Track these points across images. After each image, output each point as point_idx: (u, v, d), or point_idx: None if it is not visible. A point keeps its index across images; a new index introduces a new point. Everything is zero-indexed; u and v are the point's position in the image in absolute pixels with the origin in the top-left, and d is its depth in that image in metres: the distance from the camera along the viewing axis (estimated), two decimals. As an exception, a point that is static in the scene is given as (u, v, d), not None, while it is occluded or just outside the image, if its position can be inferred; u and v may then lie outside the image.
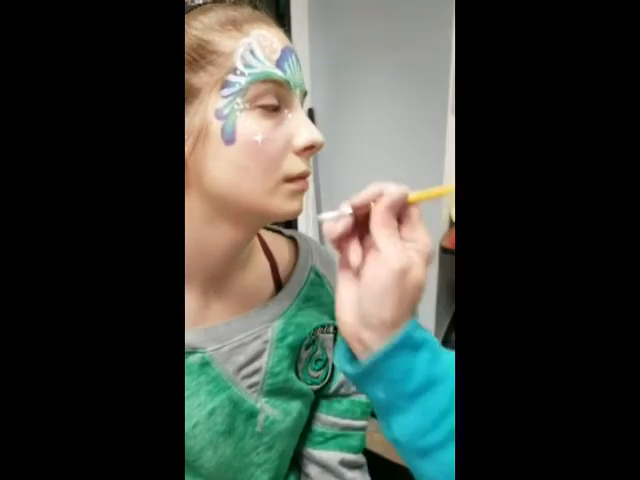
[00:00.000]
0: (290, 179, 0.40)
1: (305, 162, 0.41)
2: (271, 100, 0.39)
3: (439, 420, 0.31)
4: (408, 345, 0.32)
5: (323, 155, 1.82)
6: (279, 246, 0.55)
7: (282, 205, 0.41)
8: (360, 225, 0.33)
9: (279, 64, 0.39)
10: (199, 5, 0.40)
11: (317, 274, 0.55)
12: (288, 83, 0.39)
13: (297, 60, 0.41)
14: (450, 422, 0.31)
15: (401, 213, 0.33)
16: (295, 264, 0.54)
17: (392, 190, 0.32)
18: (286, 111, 0.40)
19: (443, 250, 1.70)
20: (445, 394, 0.31)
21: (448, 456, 0.31)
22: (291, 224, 1.78)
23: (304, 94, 0.43)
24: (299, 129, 0.40)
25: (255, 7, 0.42)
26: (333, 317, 0.56)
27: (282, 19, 1.73)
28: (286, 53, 0.40)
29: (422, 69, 1.59)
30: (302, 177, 0.41)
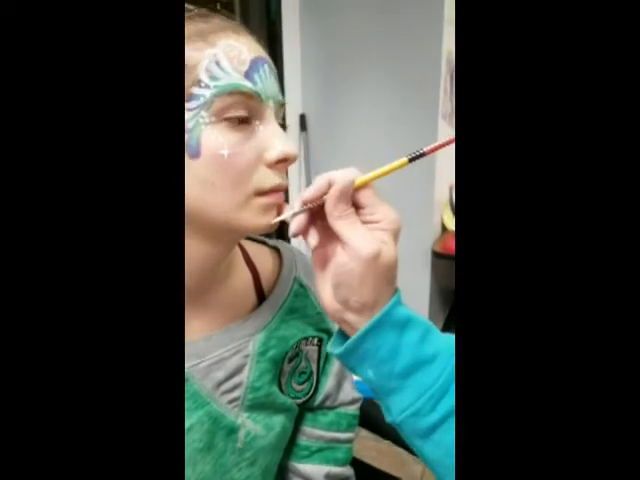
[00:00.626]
0: (261, 193, 0.39)
1: (279, 175, 0.40)
2: (239, 112, 0.37)
3: (435, 401, 0.32)
4: (389, 323, 0.32)
5: (315, 162, 1.82)
6: (262, 257, 0.54)
7: (253, 220, 0.39)
8: (322, 214, 0.34)
9: (248, 75, 0.37)
10: None
11: (301, 285, 0.54)
12: (259, 95, 0.38)
13: (271, 70, 0.40)
14: (448, 403, 0.31)
15: (356, 198, 0.34)
16: (278, 275, 0.53)
17: (338, 178, 0.33)
18: (257, 123, 0.39)
19: (435, 255, 1.69)
20: (438, 374, 0.32)
21: (448, 437, 0.31)
22: (283, 234, 1.77)
23: (281, 105, 0.42)
24: (271, 141, 0.39)
25: (228, 16, 0.41)
26: (318, 328, 0.55)
27: (273, 25, 1.73)
28: (257, 63, 0.38)
29: (413, 75, 1.59)
30: (275, 191, 0.40)
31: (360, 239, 0.31)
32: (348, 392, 0.60)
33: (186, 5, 0.40)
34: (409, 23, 1.54)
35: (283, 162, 0.39)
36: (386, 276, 0.32)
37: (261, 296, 0.52)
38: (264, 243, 0.57)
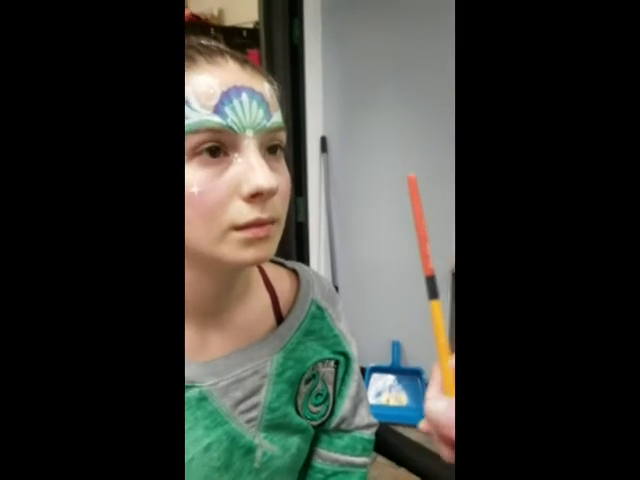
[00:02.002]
0: (238, 227, 0.39)
1: (257, 209, 0.38)
2: (209, 146, 0.37)
3: None
4: None
5: (335, 183, 1.84)
6: (280, 278, 0.55)
7: (234, 254, 0.39)
8: None
9: (217, 109, 0.37)
10: None
11: (318, 307, 0.55)
12: (230, 128, 0.37)
13: (252, 98, 0.38)
14: None
15: None
16: (296, 297, 0.54)
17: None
18: (236, 155, 0.38)
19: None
20: None
21: None
22: (302, 257, 1.78)
23: (271, 131, 0.40)
24: (247, 175, 0.38)
25: (215, 38, 0.41)
26: (334, 351, 0.56)
27: (296, 50, 1.78)
28: (229, 95, 0.37)
29: (433, 99, 1.61)
30: (254, 225, 0.39)
31: None
32: (364, 416, 0.60)
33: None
34: (429, 48, 1.56)
35: (259, 195, 0.38)
36: None
37: (279, 317, 0.53)
38: (282, 265, 0.58)
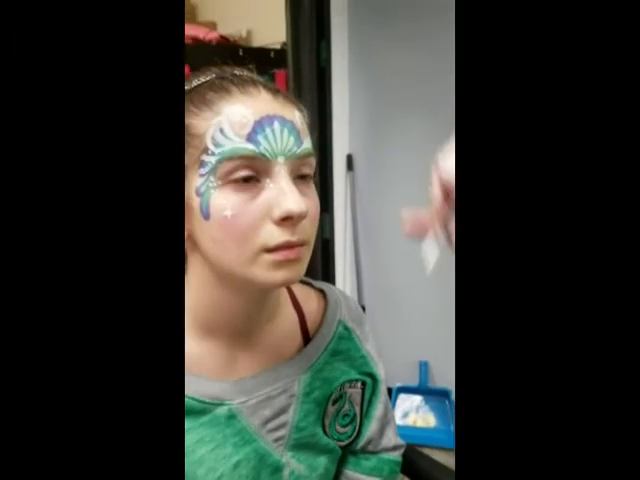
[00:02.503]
0: (268, 250, 0.40)
1: (287, 232, 0.40)
2: (244, 174, 0.39)
3: None
4: None
5: (361, 200, 1.85)
6: (308, 298, 0.56)
7: (265, 275, 0.41)
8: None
9: (250, 137, 0.39)
10: (191, 89, 0.42)
11: (345, 327, 0.55)
12: (263, 155, 0.39)
13: (283, 126, 0.40)
14: None
15: None
16: (323, 317, 0.55)
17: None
18: (268, 181, 0.40)
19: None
20: None
21: None
22: (328, 274, 1.79)
23: (301, 157, 0.42)
24: (278, 199, 0.40)
25: (249, 69, 0.44)
26: (361, 372, 0.56)
27: (323, 72, 1.81)
28: (262, 124, 0.39)
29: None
30: (285, 247, 0.40)
31: None
32: (391, 438, 0.60)
33: (206, 71, 0.43)
34: (454, 67, 1.57)
35: (289, 219, 0.40)
36: None
37: (306, 337, 0.54)
38: (310, 285, 0.59)
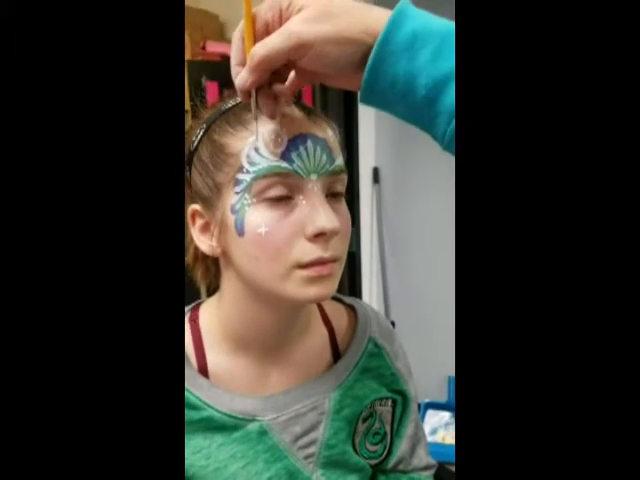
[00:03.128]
0: (302, 266, 0.41)
1: (321, 248, 0.40)
2: (278, 192, 0.40)
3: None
4: (391, 52, 0.30)
5: (387, 212, 1.84)
6: (338, 314, 0.56)
7: (298, 291, 0.41)
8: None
9: (285, 156, 0.40)
10: (227, 110, 0.44)
11: (376, 344, 0.55)
12: (296, 172, 0.40)
13: (315, 144, 0.41)
14: None
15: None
16: (353, 334, 0.55)
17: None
18: (301, 198, 0.41)
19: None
20: None
21: None
22: (355, 287, 1.78)
23: (332, 174, 0.42)
24: (311, 216, 0.40)
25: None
26: (391, 389, 0.55)
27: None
28: (296, 142, 0.40)
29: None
30: (317, 263, 0.41)
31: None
32: (422, 457, 0.59)
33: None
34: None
35: (322, 236, 0.40)
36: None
37: (336, 353, 0.53)
38: (340, 300, 0.59)
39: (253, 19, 0.35)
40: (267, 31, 0.35)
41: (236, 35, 0.36)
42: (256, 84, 0.36)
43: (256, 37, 0.35)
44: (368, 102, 0.35)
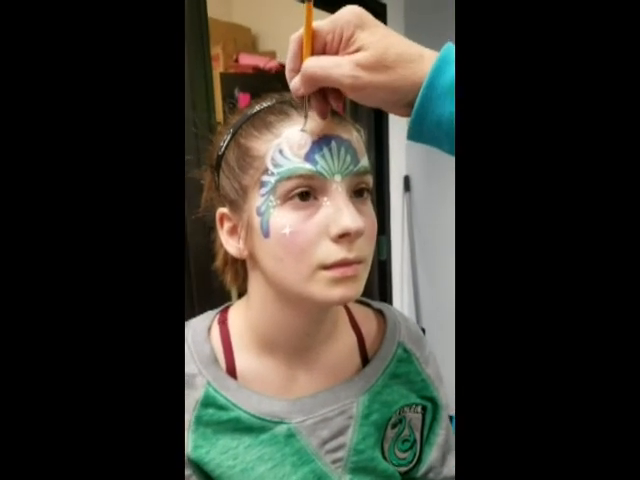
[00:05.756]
0: (326, 267, 0.40)
1: (345, 249, 0.40)
2: (302, 192, 0.40)
3: None
4: (437, 96, 0.33)
5: (418, 220, 1.83)
6: (366, 319, 0.56)
7: (323, 292, 0.41)
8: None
9: (308, 157, 0.40)
10: (253, 114, 0.44)
11: (405, 350, 0.54)
12: (320, 174, 0.40)
13: (340, 145, 0.41)
14: None
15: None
16: (382, 338, 0.54)
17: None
18: (325, 199, 0.41)
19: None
20: None
21: None
22: (385, 295, 1.77)
23: (359, 175, 0.42)
24: (335, 216, 0.40)
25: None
26: (421, 396, 0.54)
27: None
28: (320, 143, 0.40)
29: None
30: (342, 264, 0.40)
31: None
32: (452, 467, 0.57)
33: (267, 96, 0.45)
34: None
35: (346, 236, 0.40)
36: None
37: (364, 358, 0.53)
38: (369, 305, 0.58)
39: (314, 34, 0.36)
40: (324, 50, 0.37)
41: (293, 40, 0.37)
42: (308, 93, 0.38)
43: (313, 51, 0.37)
44: (415, 140, 0.38)
